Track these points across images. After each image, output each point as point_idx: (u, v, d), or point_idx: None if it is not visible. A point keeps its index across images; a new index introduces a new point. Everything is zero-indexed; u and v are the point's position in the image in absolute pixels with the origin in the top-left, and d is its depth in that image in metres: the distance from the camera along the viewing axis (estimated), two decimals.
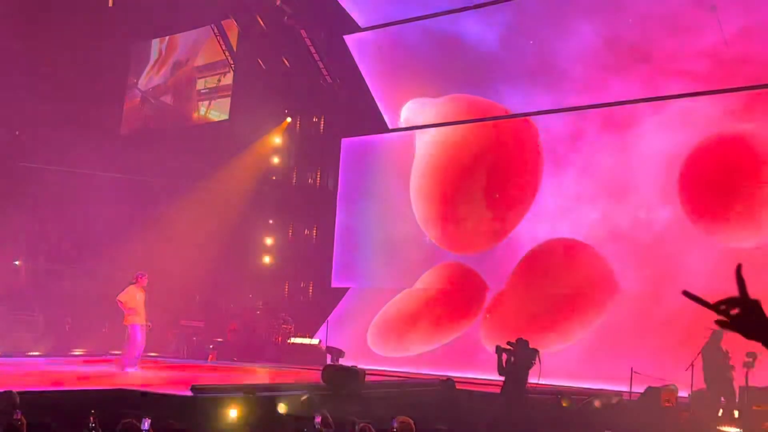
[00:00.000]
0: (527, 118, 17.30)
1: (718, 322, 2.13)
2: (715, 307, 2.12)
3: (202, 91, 22.16)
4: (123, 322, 13.58)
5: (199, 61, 22.32)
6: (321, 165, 21.10)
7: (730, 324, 2.11)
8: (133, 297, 13.46)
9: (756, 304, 2.10)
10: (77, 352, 17.46)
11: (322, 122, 21.17)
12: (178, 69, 22.76)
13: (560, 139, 16.85)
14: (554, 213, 16.69)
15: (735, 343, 11.17)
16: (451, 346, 17.33)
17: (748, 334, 2.10)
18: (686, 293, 2.19)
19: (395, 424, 6.45)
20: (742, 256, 13.41)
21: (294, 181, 21.34)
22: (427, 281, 18.38)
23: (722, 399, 11.00)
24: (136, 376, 12.69)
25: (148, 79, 23.31)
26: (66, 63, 19.28)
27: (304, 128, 21.40)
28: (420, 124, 18.94)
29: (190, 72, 22.53)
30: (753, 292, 2.14)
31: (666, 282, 14.67)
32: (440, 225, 18.37)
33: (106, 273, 19.89)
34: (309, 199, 21.02)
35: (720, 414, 10.76)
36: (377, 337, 18.39)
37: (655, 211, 15.33)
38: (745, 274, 2.17)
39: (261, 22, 20.18)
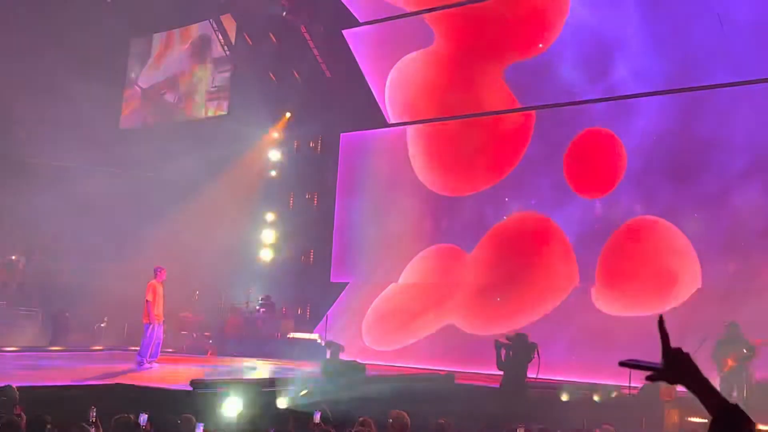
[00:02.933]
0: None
1: (647, 377, 2.17)
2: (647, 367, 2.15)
3: (211, 89, 21.97)
4: (143, 319, 13.49)
5: (205, 58, 22.13)
6: (320, 160, 21.07)
7: (660, 377, 2.15)
8: (156, 294, 13.41)
9: (680, 353, 2.16)
10: (82, 346, 17.50)
11: (321, 117, 21.12)
12: (181, 65, 22.62)
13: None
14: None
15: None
16: (442, 338, 17.31)
17: (680, 382, 2.15)
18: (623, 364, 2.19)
19: (390, 418, 6.48)
20: None
21: (293, 176, 21.30)
22: (414, 270, 18.46)
23: (734, 394, 10.98)
24: (136, 372, 12.70)
25: (149, 75, 23.23)
26: (65, 58, 19.23)
27: (302, 123, 21.36)
28: (418, 120, 18.93)
29: (195, 69, 22.37)
30: None
31: (664, 277, 14.71)
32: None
33: (104, 268, 19.90)
34: (308, 194, 20.99)
35: None
36: (369, 331, 18.42)
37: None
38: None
39: (259, 17, 20.17)
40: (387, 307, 18.54)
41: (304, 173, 21.19)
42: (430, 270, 18.35)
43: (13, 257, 19.31)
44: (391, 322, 18.25)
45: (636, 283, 14.89)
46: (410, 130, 19.04)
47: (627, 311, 14.77)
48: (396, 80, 18.91)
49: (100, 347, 17.67)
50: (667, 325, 2.26)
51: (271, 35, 20.45)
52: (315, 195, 20.99)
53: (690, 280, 14.44)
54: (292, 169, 21.30)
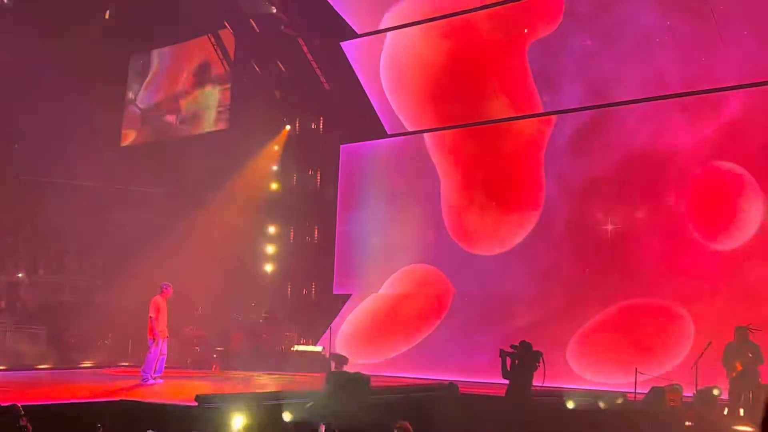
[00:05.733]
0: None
1: None
2: None
3: (218, 110, 21.89)
4: (147, 335, 13.45)
5: (207, 74, 22.12)
6: (320, 172, 21.09)
7: None
8: (160, 310, 13.38)
9: None
10: (86, 364, 17.49)
11: (321, 129, 21.17)
12: (181, 83, 22.60)
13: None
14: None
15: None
16: (446, 347, 17.33)
17: None
18: None
19: (395, 429, 6.50)
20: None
21: (294, 188, 21.34)
22: (393, 284, 18.59)
23: (742, 398, 10.95)
24: (141, 388, 12.69)
25: (147, 93, 23.23)
26: (63, 76, 19.29)
27: (302, 135, 21.40)
28: (420, 129, 18.96)
29: (195, 87, 22.33)
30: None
31: (668, 281, 14.69)
32: None
33: (107, 285, 19.91)
34: (309, 205, 21.01)
35: (726, 413, 10.75)
36: (368, 342, 18.46)
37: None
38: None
39: (258, 31, 20.24)
40: (386, 316, 18.55)
41: (304, 185, 21.22)
42: (431, 280, 18.36)
43: (19, 275, 19.32)
44: (391, 332, 18.26)
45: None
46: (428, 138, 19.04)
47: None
48: (394, 91, 18.96)
49: (105, 364, 17.64)
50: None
51: (269, 49, 20.50)
52: (316, 207, 21.00)
53: None
54: (293, 181, 21.34)
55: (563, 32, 16.37)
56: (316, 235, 20.93)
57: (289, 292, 20.78)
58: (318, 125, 21.17)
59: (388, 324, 18.45)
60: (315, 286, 20.58)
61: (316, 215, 20.89)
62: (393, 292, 18.66)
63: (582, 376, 14.77)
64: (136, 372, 14.12)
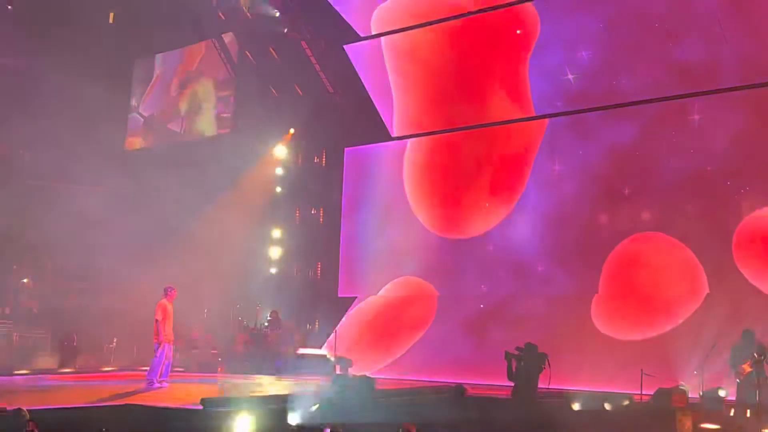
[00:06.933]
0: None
1: None
2: None
3: (222, 116, 21.95)
4: (153, 338, 13.48)
5: (210, 78, 22.16)
6: (325, 174, 21.12)
7: None
8: (166, 313, 13.41)
9: None
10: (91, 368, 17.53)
11: (325, 132, 21.19)
12: (187, 89, 22.64)
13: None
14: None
15: None
16: (451, 350, 17.34)
17: None
18: None
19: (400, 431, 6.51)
20: None
21: (298, 191, 21.36)
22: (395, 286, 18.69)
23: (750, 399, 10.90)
24: (146, 392, 12.71)
25: (151, 100, 23.24)
26: (69, 79, 19.34)
27: (307, 139, 21.43)
28: (421, 132, 18.98)
29: (199, 92, 22.37)
30: None
31: (672, 284, 14.67)
32: None
33: (113, 288, 19.92)
34: (314, 209, 21.03)
35: (732, 414, 10.72)
36: (373, 344, 18.48)
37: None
38: None
39: (261, 35, 20.29)
40: (388, 319, 18.55)
41: (309, 188, 21.24)
42: (432, 281, 18.37)
43: (25, 280, 19.37)
44: (392, 334, 18.27)
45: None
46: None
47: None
48: (398, 93, 18.97)
49: (111, 368, 17.67)
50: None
51: (273, 52, 20.54)
52: (321, 210, 21.04)
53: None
54: (298, 184, 21.36)
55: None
56: (321, 238, 20.93)
57: (294, 294, 20.79)
58: (322, 129, 21.20)
59: (390, 326, 18.45)
60: (320, 289, 20.59)
61: (321, 218, 20.91)
62: (394, 295, 18.65)
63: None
64: (142, 376, 14.12)
